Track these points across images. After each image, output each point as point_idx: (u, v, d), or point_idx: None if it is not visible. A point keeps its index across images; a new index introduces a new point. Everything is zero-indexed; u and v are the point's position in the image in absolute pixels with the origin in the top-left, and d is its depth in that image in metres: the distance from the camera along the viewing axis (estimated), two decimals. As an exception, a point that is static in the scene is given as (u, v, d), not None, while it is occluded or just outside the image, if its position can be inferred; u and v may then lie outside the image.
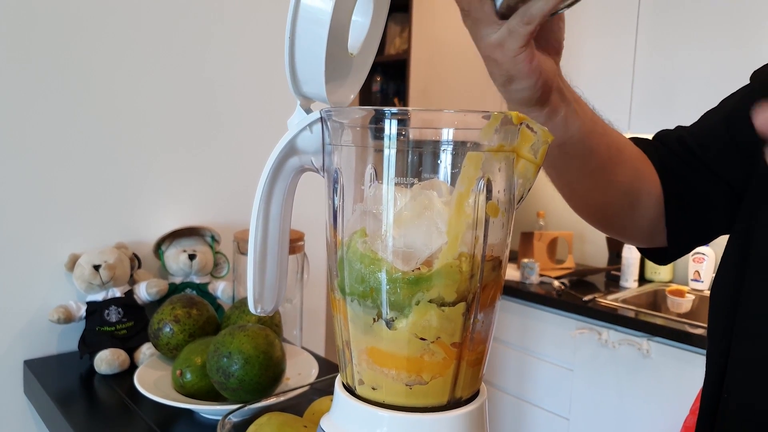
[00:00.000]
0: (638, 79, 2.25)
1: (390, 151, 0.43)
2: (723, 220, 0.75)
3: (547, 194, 2.86)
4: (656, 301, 2.30)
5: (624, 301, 2.18)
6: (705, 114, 0.79)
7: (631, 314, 2.03)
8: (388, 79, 3.50)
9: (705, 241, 0.80)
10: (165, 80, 1.22)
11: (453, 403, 0.47)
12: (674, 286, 2.24)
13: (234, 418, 0.69)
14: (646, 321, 1.97)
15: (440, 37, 3.00)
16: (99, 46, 1.14)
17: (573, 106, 0.63)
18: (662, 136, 0.80)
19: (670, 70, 2.16)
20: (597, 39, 2.36)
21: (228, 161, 1.32)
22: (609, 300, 2.16)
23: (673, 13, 2.14)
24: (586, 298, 2.16)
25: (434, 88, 3.05)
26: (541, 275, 2.41)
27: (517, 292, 2.34)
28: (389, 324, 0.45)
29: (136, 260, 1.16)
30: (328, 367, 1.05)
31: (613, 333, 2.05)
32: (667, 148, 0.76)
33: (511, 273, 2.46)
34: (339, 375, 0.51)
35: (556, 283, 2.32)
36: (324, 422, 0.50)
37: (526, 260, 2.42)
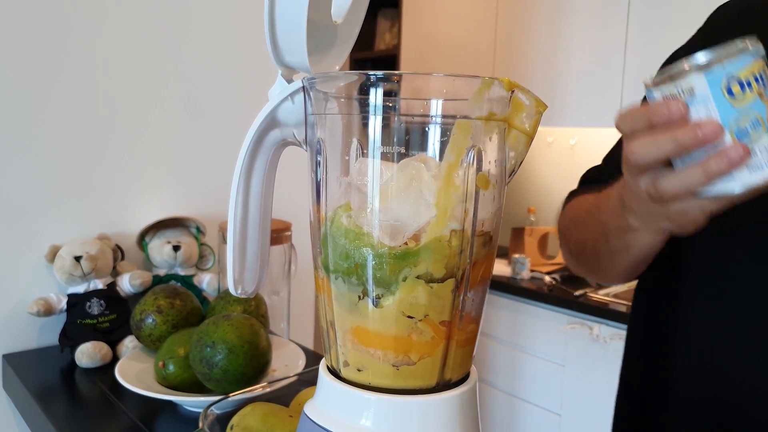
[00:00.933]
0: (629, 74, 2.24)
1: (376, 119, 0.41)
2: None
3: (538, 190, 2.85)
4: (647, 295, 2.29)
5: (615, 296, 2.16)
6: (608, 154, 0.84)
7: (623, 309, 2.01)
8: (377, 75, 3.48)
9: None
10: (146, 70, 1.19)
11: (442, 385, 0.45)
12: (665, 281, 2.23)
13: (217, 410, 0.66)
14: (638, 315, 1.96)
15: (430, 33, 2.99)
16: (77, 37, 1.11)
17: None
18: (592, 178, 0.85)
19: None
20: (586, 33, 2.34)
21: (212, 151, 1.29)
22: (600, 295, 2.15)
23: (664, 6, 2.13)
24: (577, 293, 2.15)
25: (424, 84, 3.03)
26: (532, 270, 2.40)
27: (508, 287, 2.32)
28: (375, 302, 0.43)
29: (119, 252, 1.14)
30: (317, 359, 1.02)
31: (605, 328, 2.04)
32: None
33: (502, 268, 2.45)
34: (323, 358, 0.49)
35: (547, 278, 2.31)
36: (308, 408, 0.48)
37: (516, 256, 2.41)
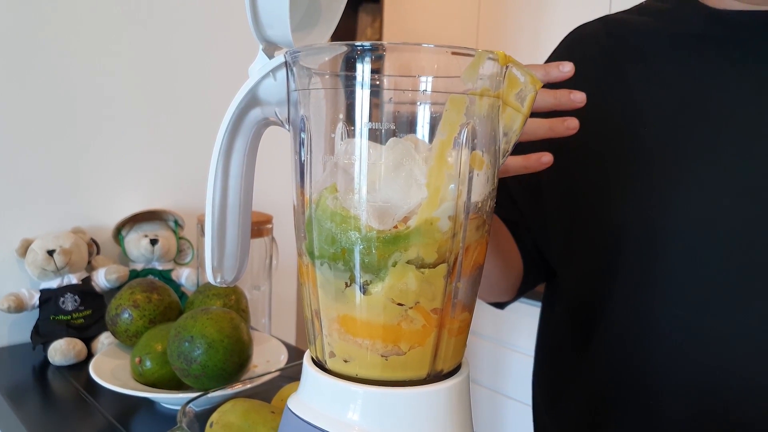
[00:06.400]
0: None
1: (363, 93, 0.39)
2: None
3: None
4: (630, 290, 2.29)
5: (598, 290, 2.16)
6: None
7: (606, 303, 2.01)
8: (359, 71, 3.46)
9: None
10: (124, 55, 1.16)
11: (433, 377, 0.43)
12: (647, 276, 2.23)
13: (196, 407, 0.64)
14: (621, 310, 1.95)
15: (412, 28, 2.97)
16: (52, 18, 1.07)
17: None
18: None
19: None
20: (569, 27, 2.33)
21: (191, 141, 1.26)
22: (583, 290, 2.15)
23: None
24: (561, 288, 2.14)
25: (406, 79, 3.02)
26: (515, 266, 2.39)
27: (491, 283, 2.31)
28: (363, 288, 0.40)
29: (94, 245, 1.10)
30: (299, 355, 1.00)
31: (588, 322, 2.04)
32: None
33: (485, 264, 2.44)
34: (308, 350, 0.47)
35: (530, 273, 2.31)
36: (291, 402, 0.45)
37: (499, 251, 2.40)
